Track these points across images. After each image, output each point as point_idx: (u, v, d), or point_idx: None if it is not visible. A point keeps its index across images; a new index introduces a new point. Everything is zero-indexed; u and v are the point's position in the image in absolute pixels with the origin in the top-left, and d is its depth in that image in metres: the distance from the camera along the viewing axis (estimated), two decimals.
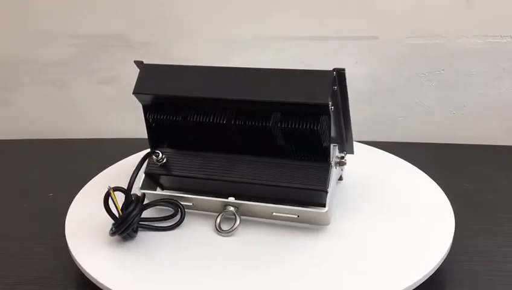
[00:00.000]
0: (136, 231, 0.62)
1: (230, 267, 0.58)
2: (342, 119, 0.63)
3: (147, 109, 0.65)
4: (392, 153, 0.80)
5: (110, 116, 1.04)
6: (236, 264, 0.58)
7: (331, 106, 0.59)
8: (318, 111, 0.59)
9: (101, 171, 0.76)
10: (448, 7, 0.91)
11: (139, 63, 0.64)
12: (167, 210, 0.65)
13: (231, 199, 0.63)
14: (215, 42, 0.96)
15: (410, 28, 0.93)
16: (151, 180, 0.67)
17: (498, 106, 0.96)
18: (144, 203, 0.63)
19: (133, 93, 0.64)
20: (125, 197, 0.60)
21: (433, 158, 0.88)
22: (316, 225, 0.63)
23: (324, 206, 0.60)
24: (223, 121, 0.62)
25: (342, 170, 0.69)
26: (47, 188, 0.82)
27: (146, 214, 0.64)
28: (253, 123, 0.61)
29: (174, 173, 0.66)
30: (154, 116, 0.65)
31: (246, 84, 0.61)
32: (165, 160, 0.65)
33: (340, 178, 0.70)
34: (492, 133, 0.97)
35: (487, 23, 0.92)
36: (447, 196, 0.68)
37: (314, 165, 0.61)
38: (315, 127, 0.59)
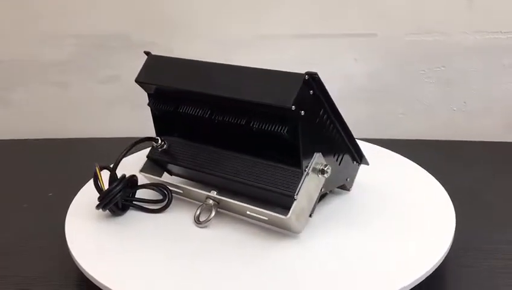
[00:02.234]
0: (123, 209, 0.65)
1: (190, 257, 0.59)
2: (337, 126, 0.62)
3: (149, 97, 0.68)
4: (392, 150, 0.80)
5: (111, 116, 1.04)
6: (197, 256, 0.59)
7: (300, 110, 0.56)
8: (285, 114, 0.56)
9: (102, 170, 0.76)
10: (448, 3, 0.91)
11: (147, 54, 0.67)
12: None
13: (212, 193, 0.64)
14: (216, 42, 0.97)
15: (410, 24, 0.93)
16: (154, 164, 0.70)
17: (499, 103, 0.96)
18: (139, 185, 0.67)
19: (135, 81, 0.66)
20: (110, 175, 0.64)
21: (433, 155, 0.88)
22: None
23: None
24: (205, 115, 0.63)
25: (347, 179, 0.67)
26: (47, 187, 0.82)
27: (143, 196, 0.67)
28: (229, 120, 0.61)
29: (170, 160, 0.68)
30: (154, 105, 0.67)
31: (226, 81, 0.61)
32: (165, 147, 0.67)
33: (344, 187, 0.68)
34: (492, 130, 0.97)
35: (487, 19, 0.91)
36: (448, 193, 0.68)
37: (289, 169, 0.59)
38: (282, 131, 0.57)
